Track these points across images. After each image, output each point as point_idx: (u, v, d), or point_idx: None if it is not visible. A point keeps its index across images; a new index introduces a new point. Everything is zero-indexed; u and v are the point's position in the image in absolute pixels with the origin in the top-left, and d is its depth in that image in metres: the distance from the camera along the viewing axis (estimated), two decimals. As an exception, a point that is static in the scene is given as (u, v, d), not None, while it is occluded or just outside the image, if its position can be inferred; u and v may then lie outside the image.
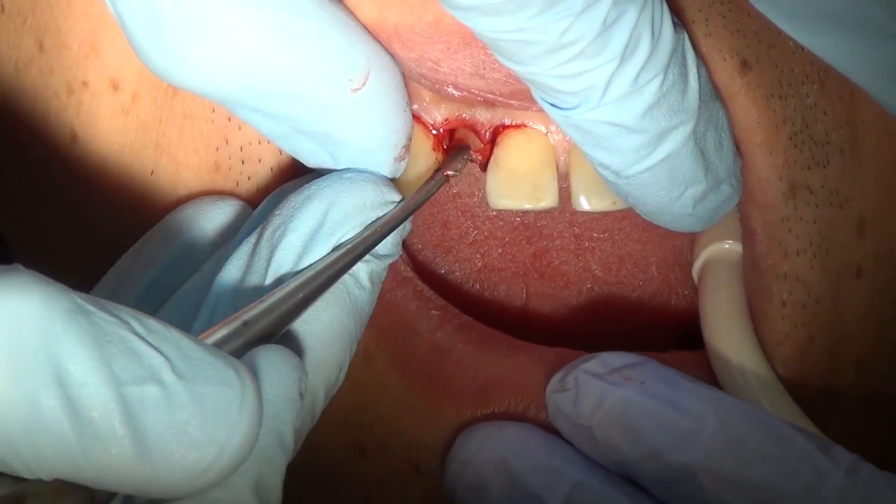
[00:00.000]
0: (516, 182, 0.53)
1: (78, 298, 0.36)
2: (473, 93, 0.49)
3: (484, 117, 0.53)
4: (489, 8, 0.40)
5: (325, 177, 0.48)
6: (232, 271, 0.46)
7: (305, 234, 0.46)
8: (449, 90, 0.50)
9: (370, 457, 0.54)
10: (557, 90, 0.43)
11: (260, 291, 0.45)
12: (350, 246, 0.46)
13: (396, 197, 0.48)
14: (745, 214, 0.51)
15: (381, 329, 0.53)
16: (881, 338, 0.53)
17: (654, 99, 0.43)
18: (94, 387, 0.35)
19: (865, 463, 0.45)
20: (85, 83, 0.52)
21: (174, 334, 0.37)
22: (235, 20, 0.44)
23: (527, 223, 0.61)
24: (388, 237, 0.47)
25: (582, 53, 0.42)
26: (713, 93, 0.47)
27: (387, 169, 0.49)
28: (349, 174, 0.48)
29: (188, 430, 0.36)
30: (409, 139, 0.49)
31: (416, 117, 0.52)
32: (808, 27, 0.40)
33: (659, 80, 0.43)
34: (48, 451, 0.35)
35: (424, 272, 0.60)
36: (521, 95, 0.49)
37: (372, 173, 0.48)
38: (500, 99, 0.50)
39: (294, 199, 0.47)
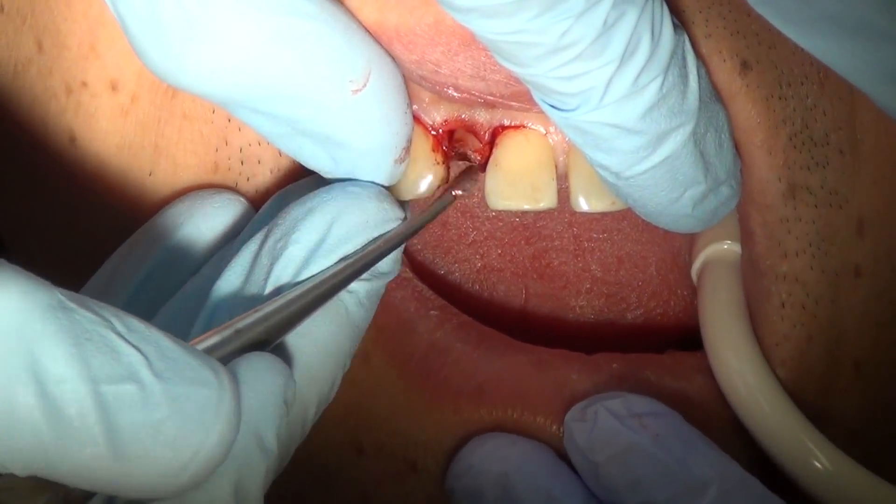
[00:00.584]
0: (515, 183, 0.52)
1: (59, 295, 0.36)
2: (474, 94, 0.49)
3: (483, 118, 0.52)
4: (489, 10, 0.40)
5: (328, 188, 0.48)
6: (231, 279, 0.46)
7: (307, 249, 0.46)
8: (449, 92, 0.50)
9: (368, 455, 0.54)
10: (557, 92, 0.43)
11: (258, 301, 0.44)
12: (350, 262, 0.46)
13: (400, 215, 0.48)
14: (745, 215, 0.51)
15: (380, 329, 0.53)
16: (880, 338, 0.53)
17: (654, 100, 0.43)
18: (71, 384, 0.35)
19: None
20: (84, 84, 0.52)
21: (154, 333, 0.37)
22: (236, 21, 0.44)
23: (526, 224, 0.61)
24: (389, 255, 0.47)
25: (582, 55, 0.42)
26: (713, 94, 0.47)
27: (387, 171, 0.49)
28: (353, 187, 0.48)
29: (164, 430, 0.36)
30: (410, 141, 0.49)
31: (416, 118, 0.52)
32: (808, 30, 0.40)
33: (659, 81, 0.43)
34: (23, 447, 0.34)
35: (424, 272, 0.60)
36: (521, 97, 0.49)
37: (377, 187, 0.48)
38: (500, 101, 0.50)
39: (297, 210, 0.47)
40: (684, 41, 0.45)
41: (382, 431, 0.54)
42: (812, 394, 0.52)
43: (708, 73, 0.47)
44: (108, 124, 0.53)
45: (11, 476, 0.35)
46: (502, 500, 0.49)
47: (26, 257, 0.59)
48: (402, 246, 0.48)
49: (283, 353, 0.44)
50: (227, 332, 0.41)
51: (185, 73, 0.45)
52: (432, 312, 0.55)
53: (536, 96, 0.45)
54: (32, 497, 0.36)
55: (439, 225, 0.62)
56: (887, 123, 0.50)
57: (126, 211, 0.53)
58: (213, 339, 0.41)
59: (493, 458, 0.51)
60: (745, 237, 0.52)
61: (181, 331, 0.45)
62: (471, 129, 0.53)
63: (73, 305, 0.36)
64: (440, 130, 0.52)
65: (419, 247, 0.61)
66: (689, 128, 0.45)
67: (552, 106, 0.45)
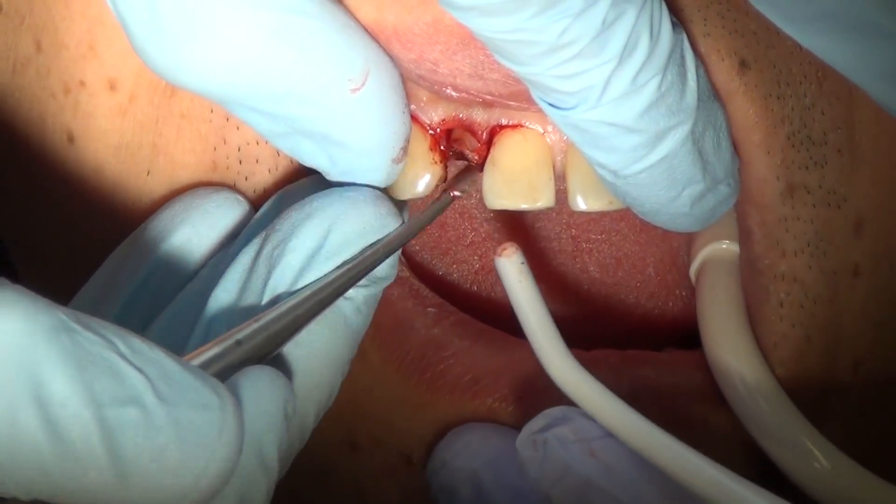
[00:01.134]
0: (513, 182, 0.52)
1: (62, 315, 0.35)
2: (472, 94, 0.49)
3: (481, 117, 0.52)
4: (488, 8, 0.40)
5: (326, 193, 0.48)
6: (229, 287, 0.46)
7: (304, 256, 0.45)
8: (447, 91, 0.50)
9: (363, 450, 0.54)
10: (556, 90, 0.43)
11: (256, 310, 0.44)
12: (348, 268, 0.46)
13: (398, 219, 0.48)
14: (743, 214, 0.51)
15: (377, 326, 0.53)
16: (879, 338, 0.53)
17: (653, 99, 0.43)
18: (74, 408, 0.35)
19: None
20: (82, 83, 0.52)
21: (157, 355, 0.37)
22: (235, 19, 0.44)
23: (524, 225, 0.61)
24: (386, 260, 0.47)
25: (581, 53, 0.42)
26: (711, 93, 0.47)
27: (384, 170, 0.49)
28: (351, 193, 0.47)
29: (167, 455, 0.36)
30: (408, 141, 0.49)
31: (414, 117, 0.51)
32: (808, 28, 0.40)
33: (657, 80, 0.43)
34: (26, 471, 0.34)
35: (422, 273, 0.60)
36: (519, 97, 0.49)
37: (374, 191, 0.48)
38: (498, 100, 0.50)
39: (294, 216, 0.47)
40: (683, 40, 0.45)
41: (378, 426, 0.54)
42: (811, 393, 0.52)
43: (706, 71, 0.47)
44: (106, 124, 0.53)
45: (14, 501, 0.35)
46: (475, 497, 0.49)
47: (24, 257, 0.60)
48: (399, 250, 0.48)
49: (281, 364, 0.44)
50: (227, 343, 0.41)
51: (185, 71, 0.45)
52: (430, 309, 0.55)
53: (535, 95, 0.45)
54: (35, 520, 0.36)
55: (437, 226, 0.62)
56: (886, 123, 0.50)
57: (124, 210, 0.53)
58: (213, 351, 0.41)
59: (464, 454, 0.51)
60: (744, 236, 0.52)
61: (179, 340, 0.46)
62: (468, 128, 0.53)
63: (76, 327, 0.36)
64: (438, 130, 0.52)
65: (417, 248, 0.61)
66: (687, 126, 0.45)
67: (551, 104, 0.44)
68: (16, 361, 0.34)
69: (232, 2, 0.43)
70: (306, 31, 0.45)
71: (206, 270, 0.49)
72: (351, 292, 0.46)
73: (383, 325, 0.54)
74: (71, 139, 0.54)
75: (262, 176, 0.52)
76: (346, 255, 0.46)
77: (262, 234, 0.47)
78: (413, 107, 0.51)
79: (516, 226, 0.61)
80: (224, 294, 0.46)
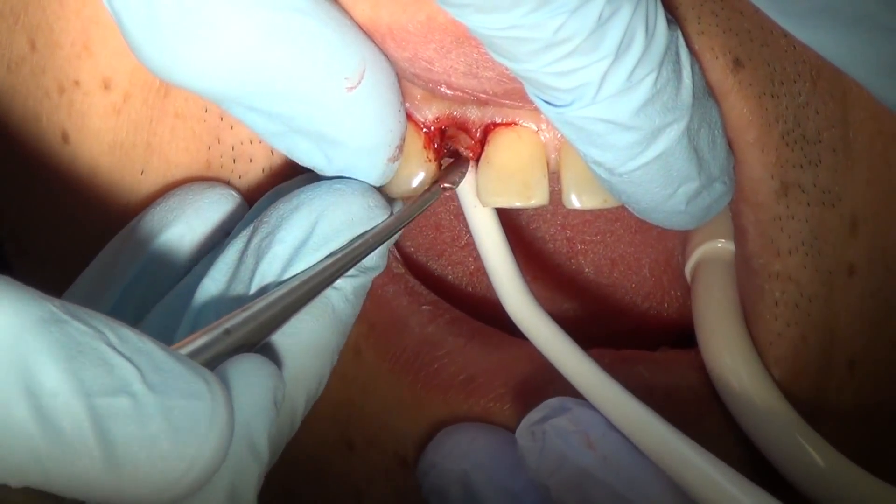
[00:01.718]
0: (507, 180, 0.52)
1: (52, 307, 0.36)
2: (467, 92, 0.49)
3: (475, 115, 0.52)
4: (484, 5, 0.40)
5: (314, 185, 0.48)
6: (217, 278, 0.46)
7: (291, 247, 0.46)
8: (442, 89, 0.50)
9: (358, 451, 0.54)
10: (551, 87, 0.43)
11: (244, 301, 0.45)
12: (336, 258, 0.46)
13: (386, 211, 0.48)
14: (737, 213, 0.51)
15: (372, 324, 0.53)
16: (874, 337, 0.53)
17: (648, 96, 0.43)
18: (64, 398, 0.35)
19: None
20: (77, 83, 0.52)
21: (147, 344, 0.37)
22: (231, 17, 0.44)
23: (519, 226, 0.61)
24: (375, 251, 0.47)
25: (576, 50, 0.42)
26: (706, 90, 0.47)
27: (380, 170, 0.49)
28: (339, 185, 0.48)
29: (157, 443, 0.36)
30: (403, 139, 0.49)
31: (408, 115, 0.51)
32: (805, 22, 0.40)
33: (653, 77, 0.43)
34: (18, 460, 0.34)
35: (418, 274, 0.60)
36: (513, 95, 0.49)
37: (362, 184, 0.48)
38: (492, 98, 0.50)
39: (282, 208, 0.47)
40: (678, 37, 0.45)
41: (373, 426, 0.54)
42: (806, 392, 0.52)
43: (701, 69, 0.47)
44: (100, 123, 0.53)
45: (6, 488, 0.35)
46: (465, 498, 0.49)
47: (19, 255, 0.60)
48: (388, 241, 0.48)
49: (270, 353, 0.44)
50: (216, 333, 0.41)
51: (180, 69, 0.45)
52: (424, 308, 0.55)
53: (530, 92, 0.45)
54: (27, 507, 0.36)
55: (433, 228, 0.62)
56: (880, 122, 0.50)
57: (118, 209, 0.53)
58: (202, 340, 0.41)
59: (454, 455, 0.51)
60: (738, 235, 0.52)
61: (170, 331, 0.46)
62: (462, 126, 0.53)
63: (65, 317, 0.36)
64: (432, 128, 0.52)
65: (412, 249, 0.61)
66: (683, 124, 0.45)
67: (546, 102, 0.44)
68: (6, 352, 0.34)
69: (227, 0, 0.43)
70: (302, 29, 0.45)
71: (200, 266, 0.49)
72: (340, 282, 0.46)
73: (378, 324, 0.54)
74: (66, 138, 0.54)
75: (256, 175, 0.52)
76: (334, 246, 0.46)
77: (251, 227, 0.47)
78: (407, 105, 0.51)
79: (511, 227, 0.61)
80: (212, 284, 0.46)
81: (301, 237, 0.46)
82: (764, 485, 0.47)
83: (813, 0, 0.39)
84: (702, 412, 0.53)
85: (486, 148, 0.53)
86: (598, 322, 0.62)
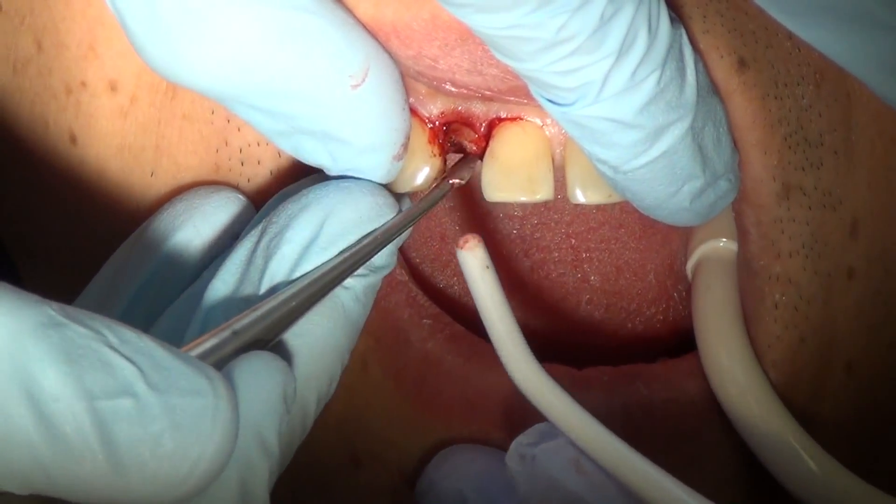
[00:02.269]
0: (512, 174, 0.52)
1: (50, 310, 0.36)
2: (471, 89, 0.49)
3: (480, 110, 0.52)
4: (485, 4, 0.40)
5: (322, 184, 0.48)
6: (227, 279, 0.46)
7: (300, 246, 0.46)
8: (446, 87, 0.50)
9: (364, 466, 0.54)
10: (554, 86, 0.43)
11: (253, 301, 0.45)
12: (346, 257, 0.46)
13: (395, 209, 0.48)
14: (739, 213, 0.51)
15: (377, 337, 0.53)
16: (872, 340, 0.53)
17: (652, 94, 0.44)
18: (66, 402, 0.35)
19: None
20: (83, 84, 0.52)
21: (148, 344, 0.37)
22: (235, 16, 0.44)
23: (524, 235, 0.61)
24: (384, 249, 0.47)
25: (579, 49, 0.42)
26: (711, 88, 0.47)
27: (385, 168, 0.49)
28: (346, 183, 0.48)
29: (162, 443, 0.36)
30: (408, 138, 0.49)
31: (412, 111, 0.51)
32: (807, 21, 0.41)
33: (656, 75, 0.43)
34: (21, 466, 0.35)
35: (422, 286, 0.60)
36: (518, 92, 0.49)
37: (370, 182, 0.48)
38: (497, 95, 0.50)
39: (291, 208, 0.47)
40: (682, 35, 0.45)
41: (378, 442, 0.54)
42: (803, 396, 0.52)
43: (705, 69, 0.47)
44: (108, 125, 0.53)
45: (10, 495, 0.35)
46: None
47: (26, 258, 0.60)
48: (398, 239, 0.48)
49: (280, 353, 0.44)
50: (224, 334, 0.41)
51: (184, 69, 0.45)
52: (425, 321, 0.55)
53: (534, 91, 0.45)
54: (32, 513, 0.36)
55: (438, 239, 0.61)
56: (882, 125, 0.50)
57: (128, 212, 0.53)
58: (210, 342, 0.41)
59: (452, 476, 0.51)
60: (741, 236, 0.52)
61: (180, 334, 0.46)
62: (467, 121, 0.53)
63: (64, 321, 0.36)
64: (437, 123, 0.52)
65: (418, 261, 0.61)
66: (687, 122, 0.45)
67: (550, 101, 0.45)
68: (5, 358, 0.34)
69: None
70: (306, 27, 0.45)
71: (210, 270, 0.49)
72: (349, 281, 0.46)
73: (382, 338, 0.54)
74: (73, 140, 0.54)
75: (264, 178, 0.52)
76: (343, 245, 0.46)
77: (260, 227, 0.47)
78: (412, 100, 0.51)
79: (515, 237, 0.61)
80: (221, 286, 0.46)
81: (310, 236, 0.46)
82: (760, 489, 0.47)
83: (814, -2, 0.40)
84: (700, 424, 0.53)
85: (490, 143, 0.53)
86: (603, 331, 0.62)
